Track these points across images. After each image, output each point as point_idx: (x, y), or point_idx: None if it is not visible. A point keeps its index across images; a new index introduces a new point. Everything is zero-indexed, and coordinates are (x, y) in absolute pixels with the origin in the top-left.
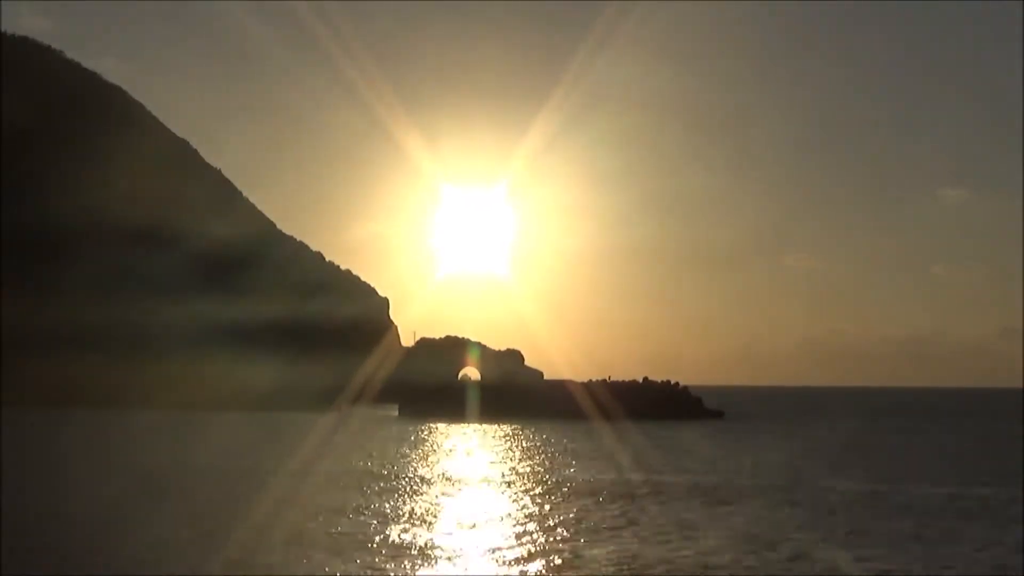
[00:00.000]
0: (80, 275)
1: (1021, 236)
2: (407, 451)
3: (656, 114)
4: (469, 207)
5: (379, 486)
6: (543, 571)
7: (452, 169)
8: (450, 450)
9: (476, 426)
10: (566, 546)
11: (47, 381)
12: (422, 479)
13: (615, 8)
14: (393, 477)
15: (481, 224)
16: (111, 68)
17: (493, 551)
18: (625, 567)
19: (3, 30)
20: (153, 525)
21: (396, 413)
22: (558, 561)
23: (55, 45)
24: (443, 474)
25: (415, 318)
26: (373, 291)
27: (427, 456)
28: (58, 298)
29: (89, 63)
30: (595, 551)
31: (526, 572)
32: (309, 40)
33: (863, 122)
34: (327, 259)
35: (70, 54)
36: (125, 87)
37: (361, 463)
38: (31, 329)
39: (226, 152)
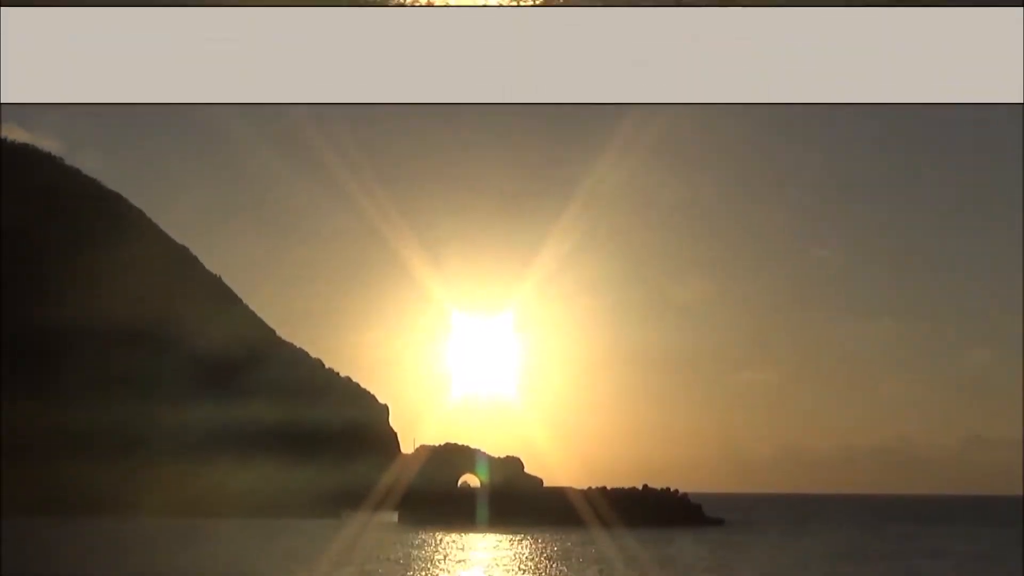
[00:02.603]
0: (78, 379)
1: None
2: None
3: (660, 219)
4: (478, 334)
5: None
6: None
7: (459, 293)
8: (475, 562)
9: (486, 535)
10: None
11: (46, 488)
12: None
13: (632, 116)
14: None
15: (490, 349)
16: (110, 175)
17: None
18: None
19: (3, 137)
20: None
21: (395, 520)
22: None
23: (54, 151)
24: None
25: (424, 439)
26: (373, 398)
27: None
28: (56, 402)
29: (87, 168)
30: None
31: None
32: (307, 151)
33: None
34: (327, 366)
35: (69, 161)
36: (124, 194)
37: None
38: (29, 435)
39: (227, 260)
